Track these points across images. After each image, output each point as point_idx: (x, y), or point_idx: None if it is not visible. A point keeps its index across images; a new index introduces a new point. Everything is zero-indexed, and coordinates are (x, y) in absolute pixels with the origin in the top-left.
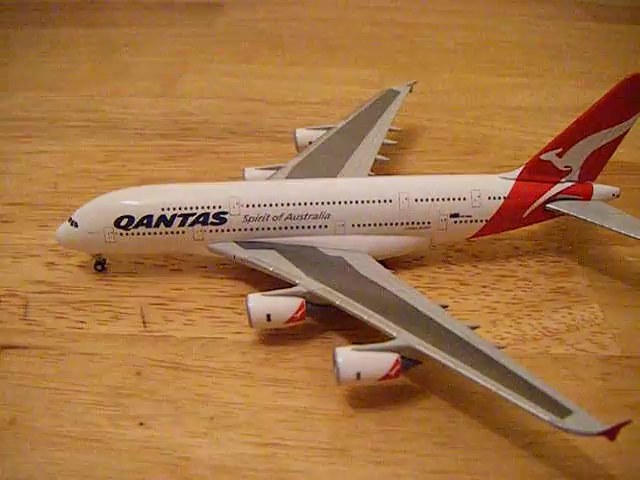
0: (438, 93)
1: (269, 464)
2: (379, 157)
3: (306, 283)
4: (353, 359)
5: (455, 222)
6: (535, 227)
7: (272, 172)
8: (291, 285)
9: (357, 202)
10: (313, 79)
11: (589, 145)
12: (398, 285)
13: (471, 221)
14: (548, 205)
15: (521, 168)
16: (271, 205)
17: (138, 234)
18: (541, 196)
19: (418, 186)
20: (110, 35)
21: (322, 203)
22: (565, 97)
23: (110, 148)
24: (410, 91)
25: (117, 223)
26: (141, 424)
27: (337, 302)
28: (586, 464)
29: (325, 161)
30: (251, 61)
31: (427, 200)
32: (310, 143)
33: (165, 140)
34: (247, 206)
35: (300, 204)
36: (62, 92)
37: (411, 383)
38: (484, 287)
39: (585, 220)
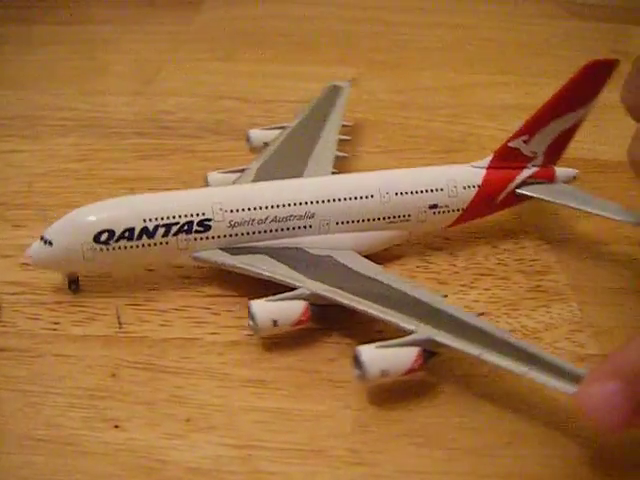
0: (417, 91)
1: (246, 466)
2: (339, 154)
3: (308, 285)
4: (377, 357)
5: (434, 213)
6: (513, 225)
7: (236, 175)
8: (286, 289)
9: (340, 200)
10: (292, 77)
11: (552, 130)
12: (395, 279)
13: (449, 211)
14: (518, 190)
15: (491, 156)
16: (255, 209)
17: (119, 248)
18: (512, 182)
19: (397, 180)
20: (88, 33)
21: (306, 203)
22: (544, 95)
23: (86, 147)
24: (351, 86)
25: (96, 238)
26: (116, 426)
27: (345, 302)
28: (567, 465)
29: (288, 161)
30: (229, 59)
31: (407, 193)
32: (265, 144)
33: (142, 139)
34: (231, 211)
35: (284, 205)
36: (38, 90)
37: (388, 384)
38: (462, 286)
39: (554, 202)
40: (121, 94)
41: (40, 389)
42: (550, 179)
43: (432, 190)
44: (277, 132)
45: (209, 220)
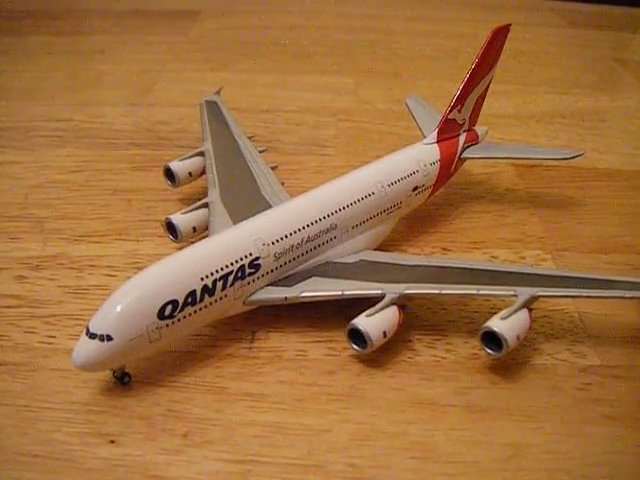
0: None
1: None
2: (271, 164)
3: (392, 289)
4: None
5: (416, 194)
6: (513, 236)
7: (196, 211)
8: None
9: (352, 204)
10: (288, 87)
11: (474, 96)
12: (437, 259)
13: (424, 189)
14: (463, 155)
15: (436, 131)
16: (291, 234)
17: (184, 318)
18: (458, 149)
19: (385, 172)
20: (84, 43)
21: (328, 215)
22: (541, 103)
23: (82, 158)
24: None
25: (161, 314)
26: (112, 442)
27: (436, 292)
28: (567, 477)
29: (245, 192)
30: (226, 69)
31: (396, 182)
32: (190, 174)
33: (138, 149)
34: (272, 243)
35: (313, 223)
36: (34, 101)
37: (387, 395)
38: (462, 297)
39: (498, 158)
40: (117, 105)
41: (35, 404)
42: (477, 139)
43: (412, 174)
44: (197, 159)
45: (257, 259)
